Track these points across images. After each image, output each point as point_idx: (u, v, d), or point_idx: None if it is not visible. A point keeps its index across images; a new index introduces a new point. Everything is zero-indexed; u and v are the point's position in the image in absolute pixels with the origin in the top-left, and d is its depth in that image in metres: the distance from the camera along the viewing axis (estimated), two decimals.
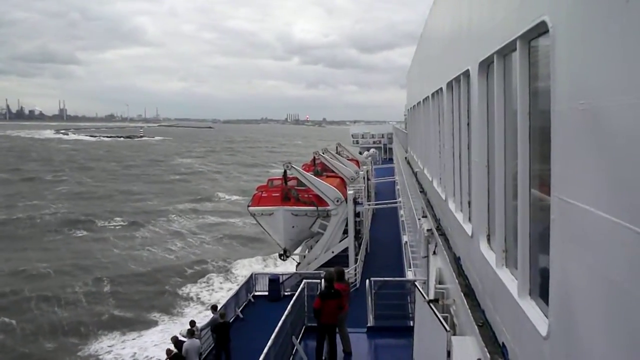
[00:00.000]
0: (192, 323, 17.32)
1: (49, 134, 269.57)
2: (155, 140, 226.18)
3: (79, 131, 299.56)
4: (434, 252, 10.34)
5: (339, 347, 12.48)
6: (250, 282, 24.03)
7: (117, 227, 54.23)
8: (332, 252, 27.06)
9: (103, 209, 62.15)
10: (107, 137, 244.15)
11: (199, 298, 34.47)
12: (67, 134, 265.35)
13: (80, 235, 51.03)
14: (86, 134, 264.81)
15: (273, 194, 27.39)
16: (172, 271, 39.49)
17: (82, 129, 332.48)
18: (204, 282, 37.56)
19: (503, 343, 4.67)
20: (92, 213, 59.27)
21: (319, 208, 26.98)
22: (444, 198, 9.53)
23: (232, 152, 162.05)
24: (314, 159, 36.18)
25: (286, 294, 22.61)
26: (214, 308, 19.23)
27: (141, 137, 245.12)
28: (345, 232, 27.58)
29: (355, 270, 26.05)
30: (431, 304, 7.04)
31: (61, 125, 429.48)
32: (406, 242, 23.53)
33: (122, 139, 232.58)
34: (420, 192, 15.19)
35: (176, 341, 16.55)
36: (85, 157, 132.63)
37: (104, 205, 64.63)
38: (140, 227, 54.01)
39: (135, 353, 26.89)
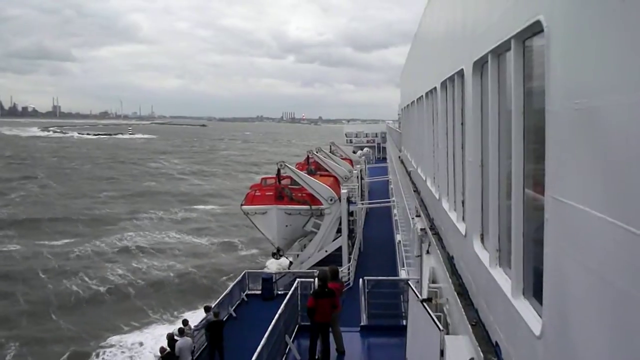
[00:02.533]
0: (185, 322, 17.28)
1: (35, 131, 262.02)
2: (140, 139, 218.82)
3: (72, 128, 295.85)
4: (428, 252, 10.34)
5: (332, 346, 12.48)
6: (243, 281, 23.98)
7: (59, 243, 45.41)
8: (326, 251, 27.08)
9: (54, 219, 53.94)
10: (94, 134, 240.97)
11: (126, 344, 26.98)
12: (49, 132, 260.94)
13: (11, 248, 43.20)
14: (75, 131, 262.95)
15: (266, 193, 27.37)
16: (99, 308, 31.81)
17: (71, 127, 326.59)
18: (133, 331, 28.83)
19: (496, 342, 4.67)
20: (37, 225, 51.42)
21: (313, 207, 26.99)
22: (437, 197, 9.54)
23: (221, 152, 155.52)
24: (308, 157, 36.17)
25: (279, 293, 22.59)
26: (207, 308, 19.18)
27: (117, 134, 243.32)
28: (339, 231, 27.58)
29: (349, 269, 26.07)
30: (424, 303, 7.04)
31: (52, 122, 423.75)
32: (399, 241, 23.55)
33: (105, 137, 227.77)
34: (414, 191, 15.21)
35: (170, 338, 16.52)
36: (61, 156, 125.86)
37: (57, 215, 56.32)
38: (85, 243, 45.03)
39: None
